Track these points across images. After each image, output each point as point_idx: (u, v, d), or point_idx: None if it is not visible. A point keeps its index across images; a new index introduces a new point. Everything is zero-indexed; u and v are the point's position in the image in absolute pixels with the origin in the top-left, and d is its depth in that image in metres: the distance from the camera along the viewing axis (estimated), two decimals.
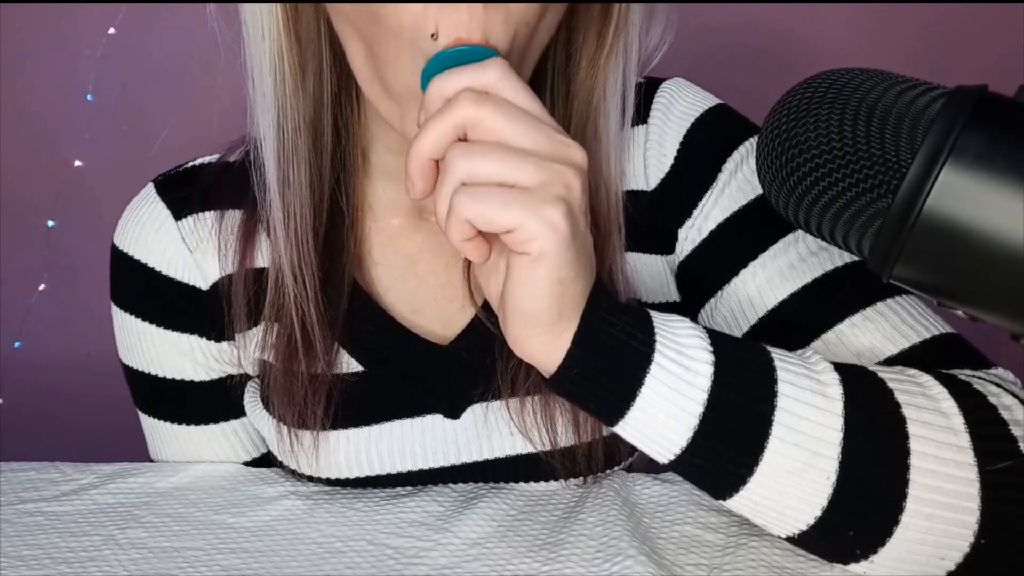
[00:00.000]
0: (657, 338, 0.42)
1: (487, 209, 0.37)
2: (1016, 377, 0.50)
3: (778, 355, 0.44)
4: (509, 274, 0.40)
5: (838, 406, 0.42)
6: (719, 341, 0.43)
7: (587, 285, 0.41)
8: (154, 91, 1.21)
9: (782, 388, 0.42)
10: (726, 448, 0.42)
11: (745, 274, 0.54)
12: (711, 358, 0.42)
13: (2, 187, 1.25)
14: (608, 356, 0.41)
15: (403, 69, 0.44)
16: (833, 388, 0.42)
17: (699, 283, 0.58)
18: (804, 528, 0.43)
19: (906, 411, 0.42)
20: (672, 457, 0.43)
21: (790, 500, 0.42)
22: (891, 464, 0.41)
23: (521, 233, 0.38)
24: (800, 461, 0.41)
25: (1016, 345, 0.35)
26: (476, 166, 0.38)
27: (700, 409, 0.41)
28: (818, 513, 0.42)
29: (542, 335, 0.41)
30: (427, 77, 0.41)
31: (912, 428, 0.42)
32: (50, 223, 1.26)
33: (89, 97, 1.21)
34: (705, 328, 0.44)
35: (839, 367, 0.44)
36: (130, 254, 0.60)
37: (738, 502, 0.43)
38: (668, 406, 0.41)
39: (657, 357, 0.41)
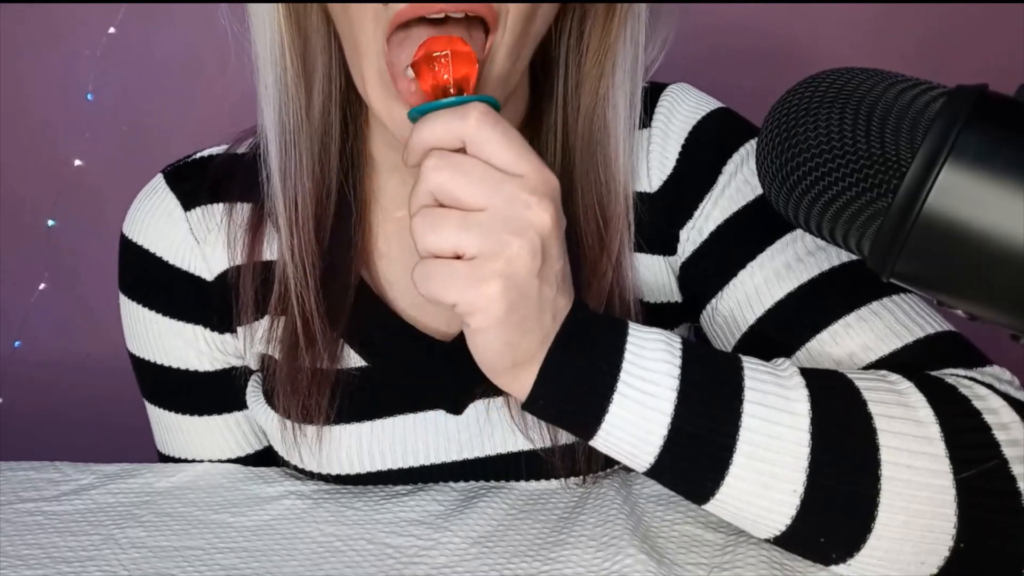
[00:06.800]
0: (623, 367, 0.43)
1: (430, 289, 0.41)
2: (1013, 376, 0.49)
3: (750, 371, 0.45)
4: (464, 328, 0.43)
5: (804, 422, 0.43)
6: (690, 362, 0.44)
7: (544, 334, 0.43)
8: (154, 91, 1.21)
9: (748, 408, 0.43)
10: (691, 467, 0.44)
11: (743, 274, 0.55)
12: (676, 384, 0.43)
13: (2, 187, 1.25)
14: (570, 390, 0.44)
15: (366, 22, 0.46)
16: (801, 404, 0.43)
17: (700, 284, 0.58)
18: (776, 534, 0.44)
19: (878, 422, 0.43)
20: (642, 471, 0.45)
21: (758, 510, 0.44)
22: (860, 476, 0.42)
23: (459, 309, 0.41)
24: (765, 475, 0.43)
25: (1016, 345, 0.35)
26: (429, 242, 0.40)
27: (664, 432, 0.43)
28: (787, 522, 0.43)
29: (501, 378, 0.44)
30: (413, 120, 0.42)
31: (883, 439, 0.43)
32: (50, 223, 1.26)
33: (89, 97, 1.21)
34: (683, 345, 0.45)
35: (813, 379, 0.45)
36: (138, 243, 0.60)
37: (711, 508, 0.45)
38: (632, 430, 0.43)
39: (620, 387, 0.43)
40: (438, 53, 0.43)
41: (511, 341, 0.42)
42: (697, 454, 0.43)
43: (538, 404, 0.44)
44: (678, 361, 0.44)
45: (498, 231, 0.40)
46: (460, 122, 0.40)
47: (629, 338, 0.44)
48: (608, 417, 0.43)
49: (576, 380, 0.43)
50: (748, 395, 0.44)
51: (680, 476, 0.45)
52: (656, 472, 0.45)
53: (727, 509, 0.45)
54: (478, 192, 0.40)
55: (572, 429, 0.46)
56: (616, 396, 0.43)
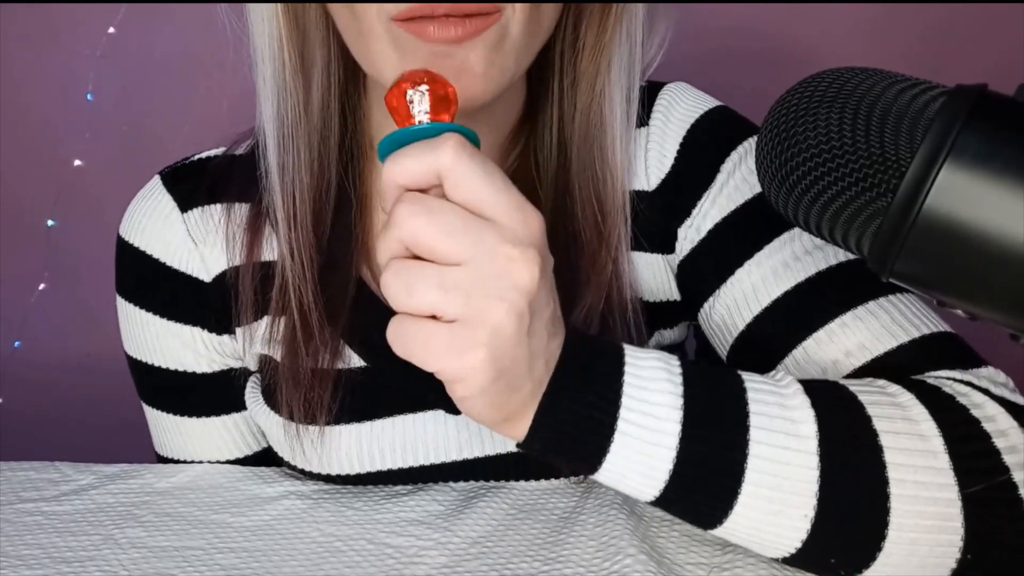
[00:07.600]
0: (623, 401, 0.42)
1: (409, 352, 0.39)
2: (1007, 377, 0.49)
3: (752, 392, 0.44)
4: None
5: (812, 444, 0.42)
6: (692, 388, 0.43)
7: (537, 381, 0.41)
8: (154, 91, 1.21)
9: (754, 435, 0.42)
10: (699, 496, 0.43)
11: (741, 272, 0.55)
12: (680, 415, 0.42)
13: (2, 187, 1.25)
14: (569, 432, 0.42)
15: (370, 9, 0.45)
16: (807, 426, 0.43)
17: (698, 282, 0.58)
18: (786, 556, 0.44)
19: (883, 439, 0.42)
20: (648, 502, 0.44)
21: (768, 536, 0.43)
22: (869, 496, 0.42)
23: (442, 376, 0.39)
24: (776, 502, 0.42)
25: (1015, 345, 0.35)
26: (404, 303, 0.38)
27: (669, 466, 0.42)
28: (797, 545, 0.43)
29: (496, 427, 0.43)
30: (384, 154, 0.40)
31: (889, 456, 0.42)
32: (50, 223, 1.26)
33: (89, 97, 1.21)
34: (682, 368, 0.44)
35: (816, 394, 0.44)
36: (135, 244, 0.60)
37: (720, 533, 0.44)
38: (636, 466, 0.42)
39: (621, 425, 0.42)
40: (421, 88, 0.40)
41: (498, 403, 0.40)
42: (705, 484, 0.42)
43: (535, 448, 0.43)
44: (679, 389, 0.43)
45: (480, 294, 0.37)
46: (434, 154, 0.37)
47: (626, 368, 0.43)
48: (609, 456, 0.42)
49: (573, 424, 0.42)
50: (754, 419, 0.42)
51: (687, 506, 0.44)
52: (662, 503, 0.43)
53: (737, 534, 0.44)
54: (457, 244, 0.36)
55: (572, 467, 0.44)
56: (617, 435, 0.42)
